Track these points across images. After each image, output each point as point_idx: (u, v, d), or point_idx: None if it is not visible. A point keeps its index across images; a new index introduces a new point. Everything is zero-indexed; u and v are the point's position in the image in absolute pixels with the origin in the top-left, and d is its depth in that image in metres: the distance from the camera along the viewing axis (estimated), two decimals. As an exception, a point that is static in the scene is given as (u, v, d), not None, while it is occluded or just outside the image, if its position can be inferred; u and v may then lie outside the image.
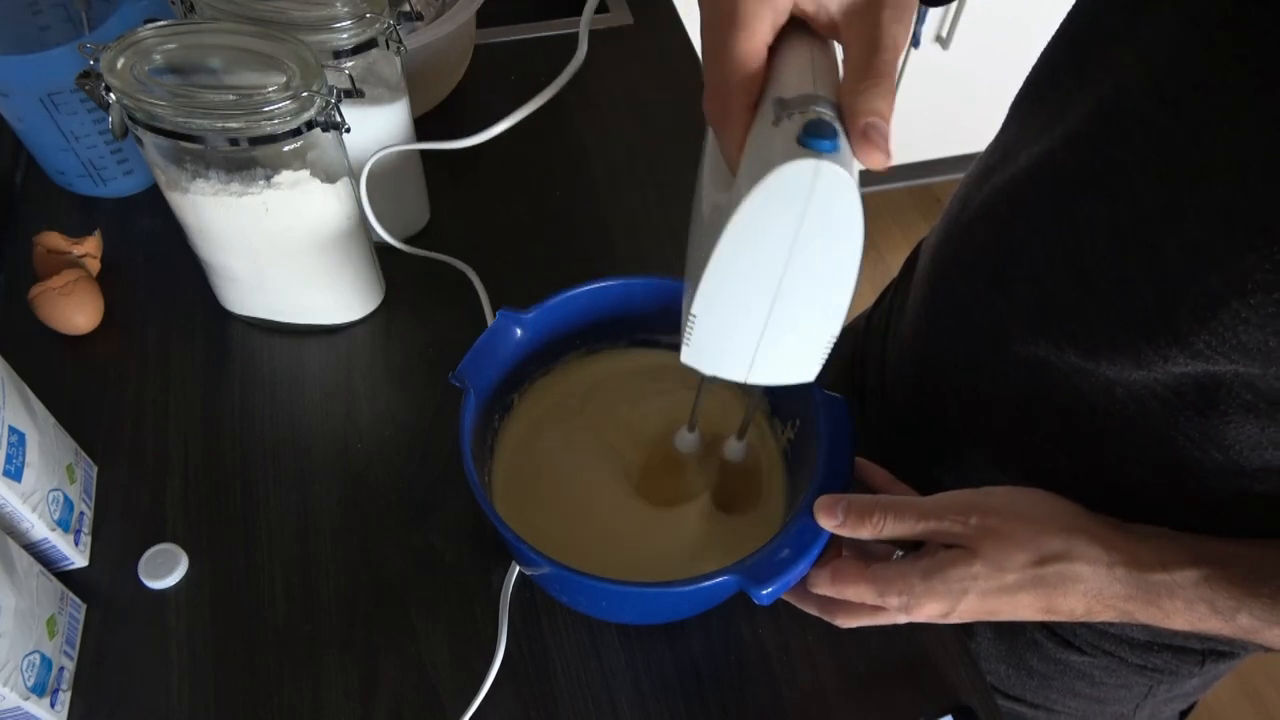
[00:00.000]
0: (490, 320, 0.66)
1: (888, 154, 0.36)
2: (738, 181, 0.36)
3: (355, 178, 0.62)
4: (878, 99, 0.36)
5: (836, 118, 0.36)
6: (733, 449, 0.55)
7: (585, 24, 0.61)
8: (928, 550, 0.47)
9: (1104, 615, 0.46)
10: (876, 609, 0.48)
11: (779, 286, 0.38)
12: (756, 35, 0.38)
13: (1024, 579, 0.45)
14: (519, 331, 0.55)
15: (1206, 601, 0.45)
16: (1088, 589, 0.45)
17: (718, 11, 0.39)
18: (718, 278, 0.38)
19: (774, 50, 0.39)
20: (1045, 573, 0.45)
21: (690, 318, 0.40)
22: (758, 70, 0.38)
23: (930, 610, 0.46)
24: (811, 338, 0.40)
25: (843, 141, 0.35)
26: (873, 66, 0.36)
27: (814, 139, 0.34)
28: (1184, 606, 0.45)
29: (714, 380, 0.43)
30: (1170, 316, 0.45)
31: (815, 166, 0.34)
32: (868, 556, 0.49)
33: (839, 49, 0.40)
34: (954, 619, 0.46)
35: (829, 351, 0.41)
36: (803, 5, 0.38)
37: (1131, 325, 0.47)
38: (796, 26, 0.39)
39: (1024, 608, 0.46)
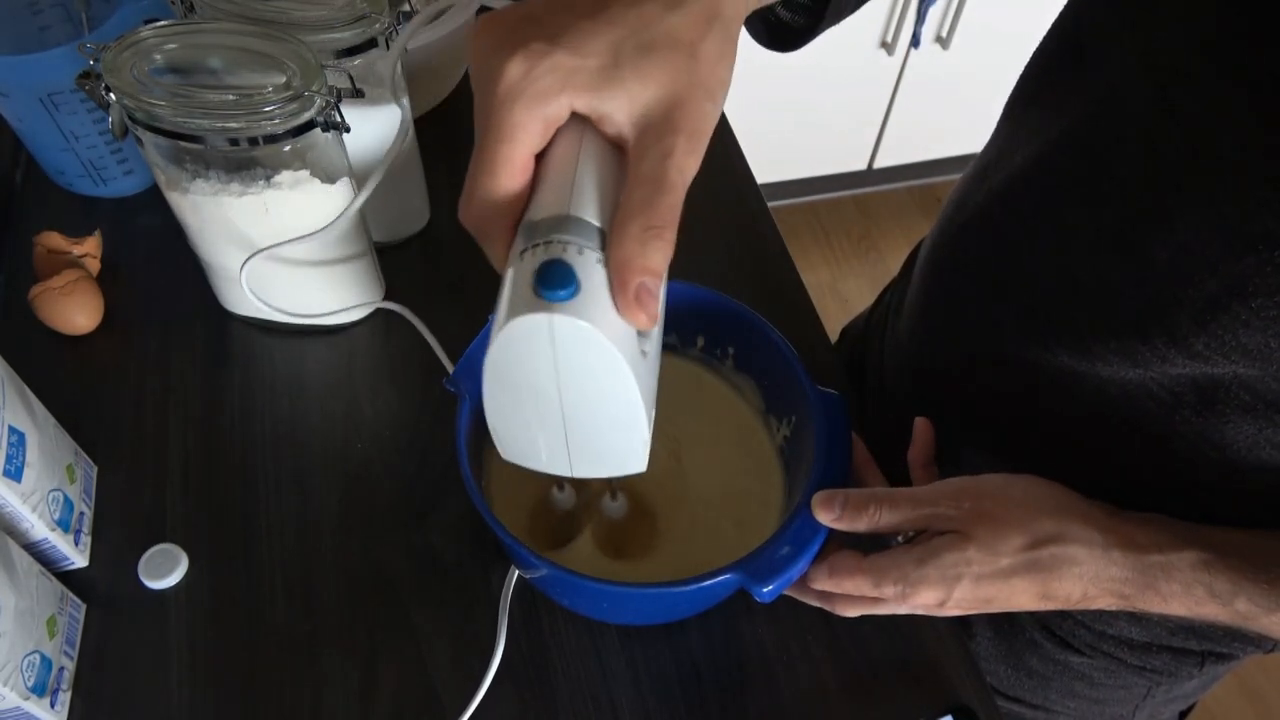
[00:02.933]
0: (441, 353, 0.66)
1: (654, 317, 0.32)
2: (494, 318, 0.34)
3: (355, 179, 0.62)
4: (655, 253, 0.32)
5: (587, 247, 0.32)
6: (609, 508, 0.54)
7: None
8: (923, 537, 0.47)
9: (1101, 601, 0.46)
10: (876, 599, 0.49)
11: (562, 412, 0.36)
12: (520, 147, 0.33)
13: (1018, 562, 0.45)
14: None
15: (1204, 585, 0.44)
16: (1083, 572, 0.45)
17: (482, 113, 0.34)
18: (497, 406, 0.37)
19: (544, 152, 0.35)
20: (1040, 555, 0.45)
21: (492, 428, 0.38)
22: (516, 184, 0.34)
23: (926, 598, 0.46)
24: (622, 442, 0.38)
25: (588, 277, 0.32)
26: (656, 210, 0.32)
27: (545, 288, 0.31)
28: (1181, 590, 0.45)
29: None
30: (1166, 319, 0.45)
31: (548, 321, 0.31)
32: (867, 547, 0.49)
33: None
34: (950, 608, 0.46)
35: (649, 446, 0.38)
36: (582, 113, 0.34)
37: (1122, 327, 0.47)
38: (577, 122, 0.34)
39: (1019, 593, 0.45)
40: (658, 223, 0.32)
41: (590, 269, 0.32)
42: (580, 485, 0.54)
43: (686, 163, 0.33)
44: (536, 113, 0.33)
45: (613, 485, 0.53)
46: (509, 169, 0.33)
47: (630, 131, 0.33)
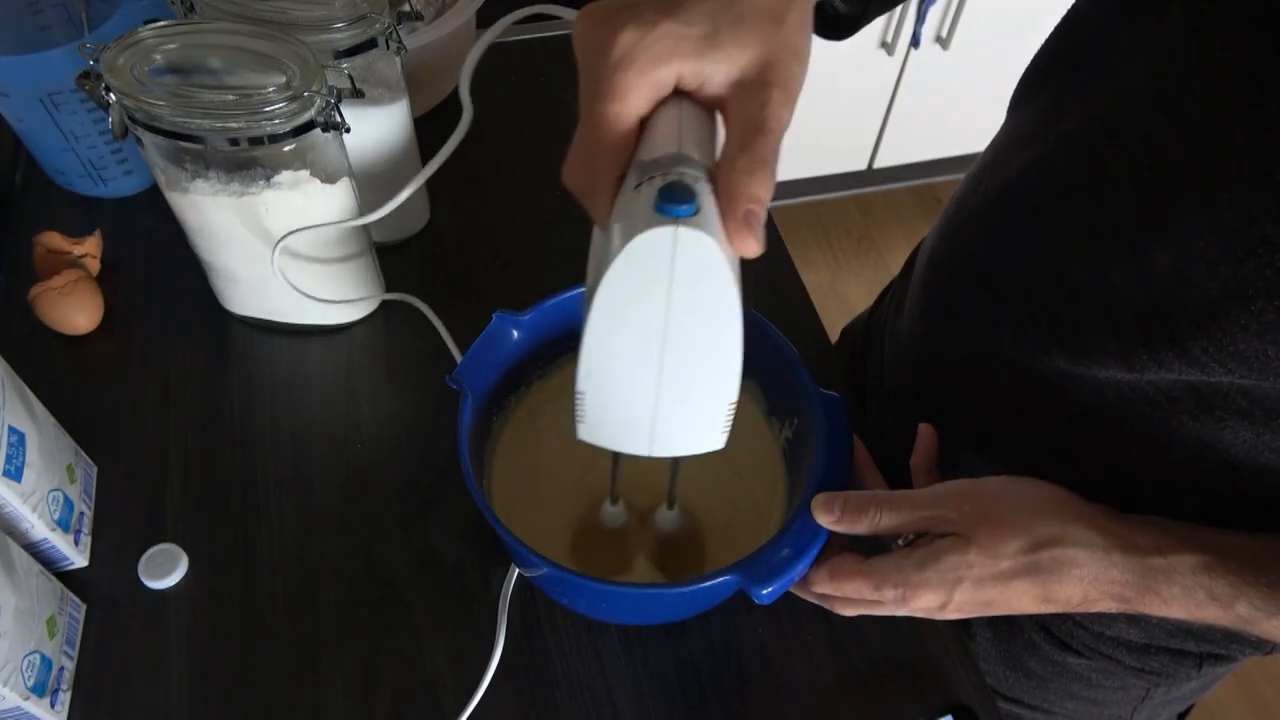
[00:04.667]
0: (451, 343, 0.66)
1: (760, 243, 0.34)
2: (607, 252, 0.35)
3: (350, 174, 0.62)
4: (759, 185, 0.34)
5: (701, 179, 0.34)
6: (664, 518, 0.53)
7: None
8: (923, 540, 0.47)
9: (1102, 604, 0.46)
10: (875, 601, 0.49)
11: (662, 355, 0.36)
12: (629, 107, 0.36)
13: (1019, 565, 0.45)
14: (515, 333, 0.55)
15: (1204, 588, 0.44)
16: (1084, 574, 0.45)
17: (592, 79, 0.37)
18: (596, 352, 0.37)
19: (647, 119, 0.37)
20: (1040, 558, 0.45)
21: (578, 395, 0.38)
22: (624, 142, 0.37)
23: (926, 601, 0.46)
24: (709, 405, 0.38)
25: (706, 202, 0.34)
26: (757, 148, 0.35)
27: (669, 204, 0.33)
28: (1181, 593, 0.45)
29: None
30: (1166, 322, 0.45)
31: (673, 234, 0.32)
32: (868, 548, 0.49)
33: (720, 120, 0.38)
34: (951, 611, 0.46)
35: (732, 417, 0.39)
36: (686, 80, 0.37)
37: (1121, 330, 0.47)
38: (675, 95, 0.38)
39: (1020, 596, 0.45)
40: (759, 158, 0.35)
41: (707, 198, 0.34)
42: (629, 501, 0.53)
43: (781, 112, 0.36)
44: (648, 76, 0.36)
45: (670, 493, 0.52)
46: (618, 128, 0.36)
47: (729, 91, 0.37)
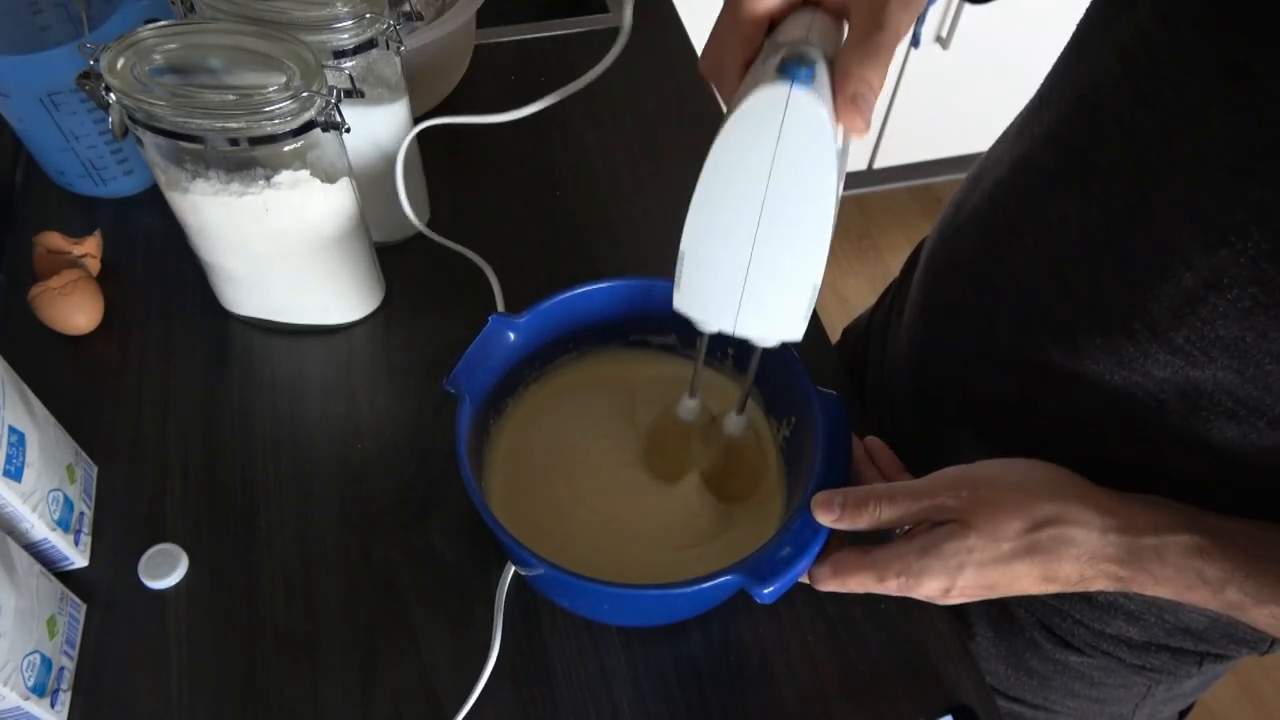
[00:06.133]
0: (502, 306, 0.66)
1: (868, 123, 0.38)
2: (726, 115, 0.38)
3: (350, 174, 0.62)
4: (871, 69, 0.37)
5: (821, 60, 0.37)
6: (732, 423, 0.55)
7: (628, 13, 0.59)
8: (923, 527, 0.47)
9: (1098, 582, 0.46)
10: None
11: (759, 221, 0.39)
12: (765, 3, 0.40)
13: (1019, 547, 0.45)
14: (512, 335, 0.55)
15: (1195, 570, 0.44)
16: (1080, 553, 0.45)
17: None
18: (702, 208, 0.40)
19: (779, 18, 0.41)
20: (1039, 538, 0.45)
21: (680, 257, 0.42)
22: (756, 32, 0.40)
23: (929, 588, 0.46)
24: (793, 287, 0.41)
25: (822, 74, 0.37)
26: (872, 40, 0.38)
27: (791, 67, 0.36)
28: (1173, 573, 0.45)
29: (708, 343, 0.45)
30: (1146, 313, 0.45)
31: (788, 91, 0.35)
32: (868, 538, 0.49)
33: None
34: (954, 596, 0.46)
35: (812, 308, 0.42)
36: None
37: (1107, 323, 0.47)
38: (808, 5, 0.41)
39: (1022, 577, 0.45)
40: (873, 49, 0.37)
41: (824, 74, 0.37)
42: (704, 402, 0.56)
43: (899, 14, 0.38)
44: None
45: (742, 399, 0.54)
46: (752, 20, 0.40)
47: None
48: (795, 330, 0.43)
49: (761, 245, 0.40)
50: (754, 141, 0.37)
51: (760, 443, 0.59)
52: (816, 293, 0.41)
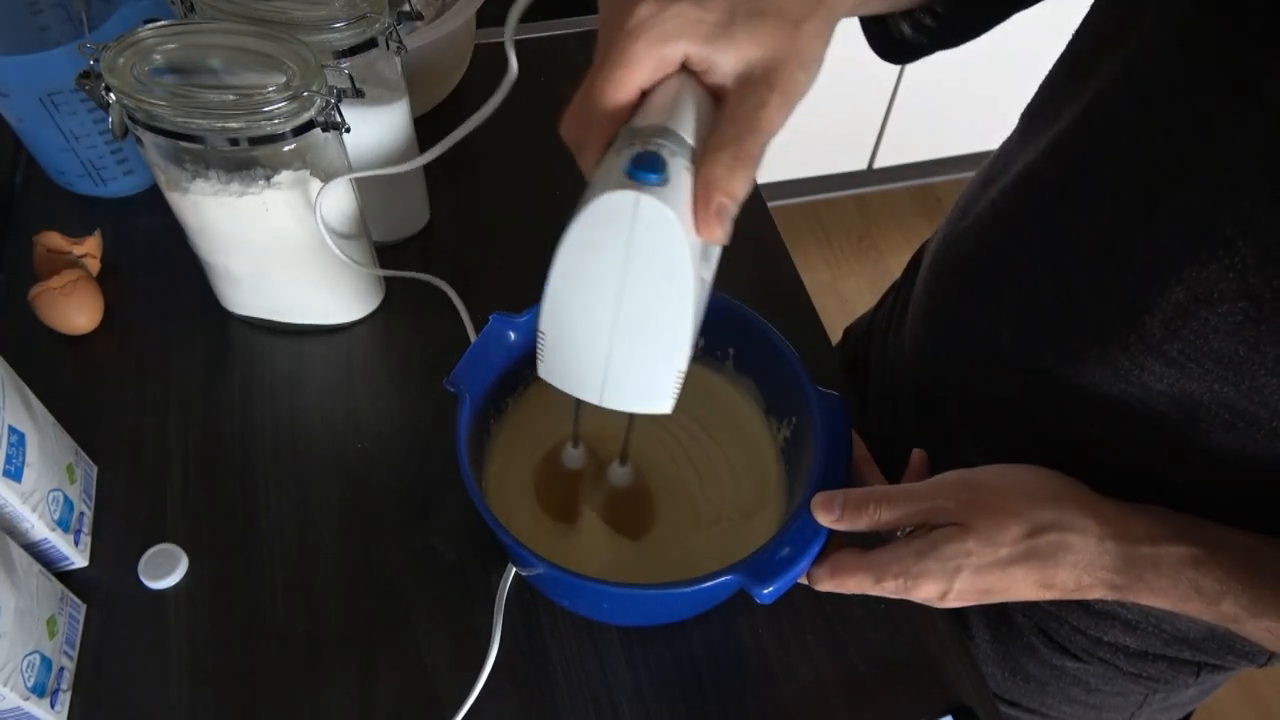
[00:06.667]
0: (471, 330, 0.66)
1: (726, 235, 0.36)
2: (576, 209, 0.36)
3: (350, 174, 0.62)
4: (736, 181, 0.35)
5: (679, 154, 0.35)
6: (615, 474, 0.55)
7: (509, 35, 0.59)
8: (922, 530, 0.47)
9: (1095, 590, 0.46)
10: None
11: (616, 311, 0.38)
12: (632, 75, 0.37)
13: (1017, 552, 0.45)
14: (513, 335, 0.55)
15: (1190, 581, 0.44)
16: (1077, 560, 0.45)
17: (606, 40, 0.38)
18: (557, 296, 0.38)
19: (646, 94, 0.38)
20: (1038, 544, 0.45)
21: (540, 334, 0.40)
22: (621, 107, 0.38)
23: (927, 590, 0.46)
24: (659, 367, 0.40)
25: (677, 177, 0.35)
26: (744, 146, 0.35)
27: (640, 170, 0.34)
28: (1168, 584, 0.45)
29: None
30: (1141, 325, 0.45)
31: (635, 199, 0.34)
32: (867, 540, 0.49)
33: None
34: (951, 599, 0.46)
35: (680, 385, 0.40)
36: (693, 62, 0.37)
37: (1104, 334, 0.47)
38: (684, 72, 0.39)
39: (1019, 583, 0.45)
40: (744, 156, 0.35)
41: (679, 173, 0.35)
42: (591, 447, 0.55)
43: (776, 116, 0.36)
44: (655, 50, 0.37)
45: (623, 450, 0.53)
46: (619, 92, 0.37)
47: (731, 82, 0.37)
48: (663, 404, 0.41)
49: (620, 334, 0.39)
50: (604, 241, 0.36)
51: (656, 476, 0.58)
52: (682, 375, 0.40)
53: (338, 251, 0.62)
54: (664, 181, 0.34)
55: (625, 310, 0.37)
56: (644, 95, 0.38)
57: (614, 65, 0.37)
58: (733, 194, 0.35)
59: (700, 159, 0.36)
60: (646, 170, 0.34)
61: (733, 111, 0.36)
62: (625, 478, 0.55)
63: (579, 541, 0.55)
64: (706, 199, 0.35)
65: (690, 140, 0.36)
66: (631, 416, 0.49)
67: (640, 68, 0.37)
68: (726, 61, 0.37)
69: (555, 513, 0.56)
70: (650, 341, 0.39)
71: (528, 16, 0.72)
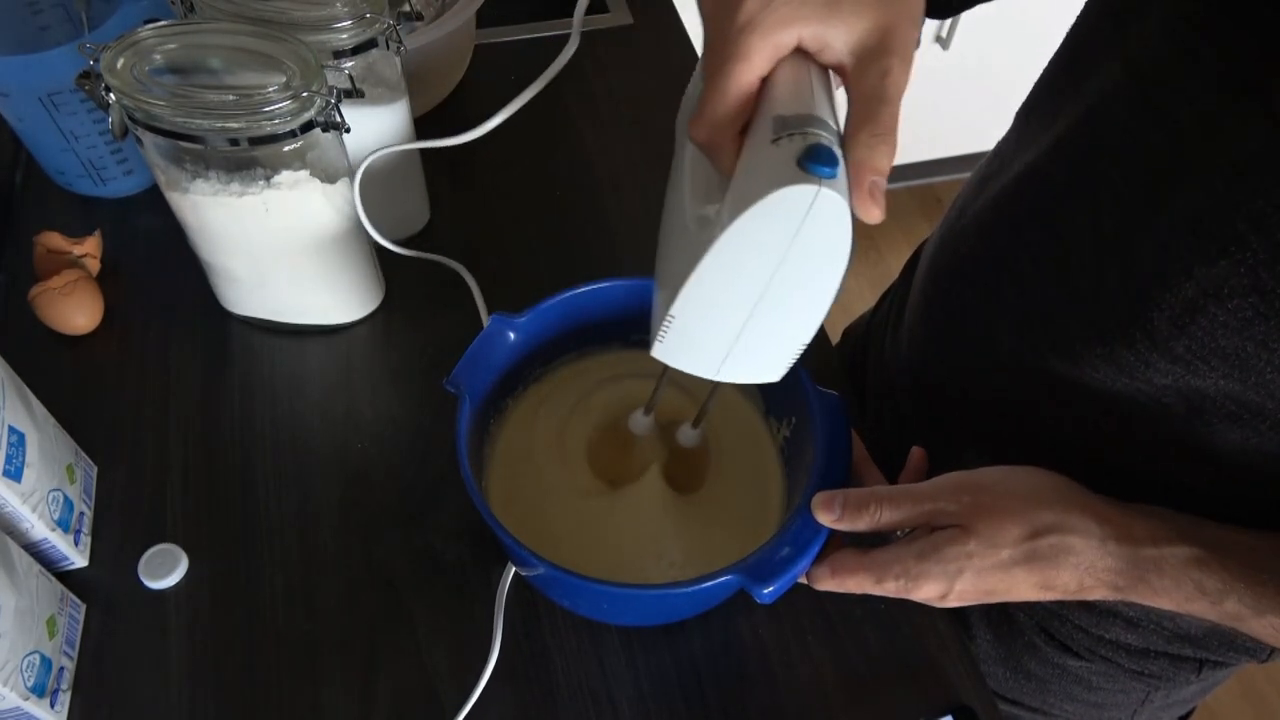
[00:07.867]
0: (485, 322, 0.66)
1: (884, 211, 0.36)
2: (731, 196, 0.36)
3: (352, 177, 0.62)
4: (884, 157, 0.36)
5: (835, 143, 0.36)
6: (686, 435, 0.55)
7: (578, 19, 0.60)
8: (923, 530, 0.47)
9: (1097, 591, 0.46)
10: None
11: (760, 299, 0.38)
12: (753, 68, 0.38)
13: (1018, 554, 0.45)
14: (512, 335, 0.55)
15: (1194, 581, 0.44)
16: (1079, 562, 0.45)
17: (719, 40, 0.38)
18: (702, 285, 0.38)
19: (767, 77, 0.39)
20: (1039, 546, 0.45)
21: (668, 319, 0.40)
22: (748, 103, 0.38)
23: (928, 591, 0.46)
24: (785, 345, 0.41)
25: (841, 169, 0.35)
26: (881, 119, 0.36)
27: (815, 164, 0.34)
28: (1171, 585, 0.45)
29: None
30: (1147, 323, 0.45)
31: (816, 192, 0.34)
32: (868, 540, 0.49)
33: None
34: (952, 600, 0.46)
35: (799, 356, 0.41)
36: (807, 43, 0.38)
37: (1108, 332, 0.47)
38: (797, 53, 0.39)
39: (1020, 584, 0.45)
40: (882, 130, 0.36)
41: (840, 164, 0.35)
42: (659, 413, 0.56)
43: (901, 79, 0.37)
44: (771, 39, 0.37)
45: (699, 415, 0.54)
46: (742, 87, 0.38)
47: (848, 58, 0.38)
48: (775, 374, 0.42)
49: (759, 316, 0.39)
50: (769, 234, 0.35)
51: (715, 443, 0.59)
52: (805, 348, 0.41)
53: (376, 235, 0.63)
54: (836, 175, 0.34)
55: (771, 296, 0.38)
56: (763, 85, 0.39)
57: (735, 61, 0.37)
58: (881, 170, 0.36)
59: (846, 141, 0.36)
60: (821, 163, 0.34)
61: (860, 87, 0.37)
62: (694, 439, 0.55)
63: (578, 541, 0.55)
64: (860, 180, 0.35)
65: (832, 123, 0.37)
66: (715, 385, 0.49)
67: (759, 57, 0.37)
68: (839, 38, 0.37)
69: (610, 475, 0.57)
70: (788, 320, 0.39)
71: (528, 16, 0.72)
